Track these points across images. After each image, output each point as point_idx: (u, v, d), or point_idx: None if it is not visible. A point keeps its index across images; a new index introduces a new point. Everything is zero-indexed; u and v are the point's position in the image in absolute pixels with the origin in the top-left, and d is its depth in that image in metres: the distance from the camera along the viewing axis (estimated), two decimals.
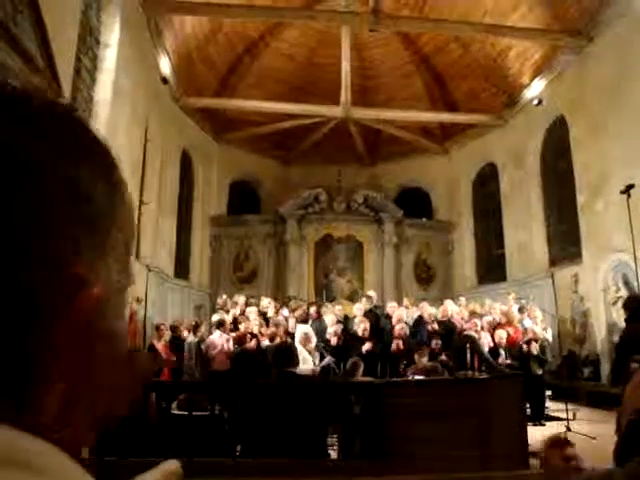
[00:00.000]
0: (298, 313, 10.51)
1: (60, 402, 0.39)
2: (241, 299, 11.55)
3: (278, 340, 8.73)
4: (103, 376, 0.43)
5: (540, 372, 9.65)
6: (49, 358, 0.38)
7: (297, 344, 8.44)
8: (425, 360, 7.95)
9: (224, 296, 11.90)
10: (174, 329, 10.08)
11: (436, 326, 9.97)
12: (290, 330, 9.75)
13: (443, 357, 8.88)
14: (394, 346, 9.35)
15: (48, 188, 0.38)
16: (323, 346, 9.04)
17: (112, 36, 9.86)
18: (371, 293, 12.04)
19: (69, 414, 0.40)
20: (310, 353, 8.68)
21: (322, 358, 8.65)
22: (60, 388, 0.39)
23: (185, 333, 10.11)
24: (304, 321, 10.19)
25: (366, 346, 9.18)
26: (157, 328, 9.82)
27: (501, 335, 9.67)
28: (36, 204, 0.37)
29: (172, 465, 0.42)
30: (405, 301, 11.74)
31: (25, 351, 0.37)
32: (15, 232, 0.36)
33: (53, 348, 0.38)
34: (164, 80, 13.01)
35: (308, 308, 11.14)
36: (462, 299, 12.40)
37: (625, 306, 5.16)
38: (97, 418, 0.44)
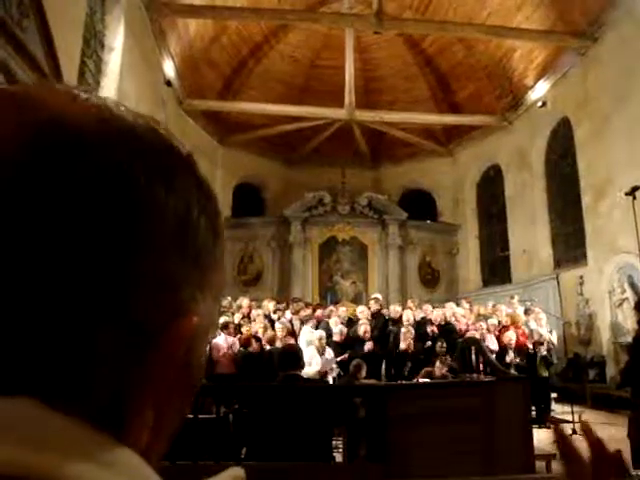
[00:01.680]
0: (302, 315, 10.52)
1: (150, 433, 0.40)
2: (245, 302, 11.54)
3: (279, 343, 8.75)
4: (183, 406, 0.45)
5: (546, 374, 9.63)
6: (148, 387, 0.39)
7: (303, 346, 8.46)
8: (444, 371, 7.91)
9: (229, 298, 11.90)
10: None
11: (435, 329, 9.95)
12: (295, 332, 9.76)
13: (449, 361, 8.87)
14: (404, 345, 9.35)
15: (162, 218, 0.39)
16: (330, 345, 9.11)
17: (116, 39, 9.90)
18: (377, 295, 12.04)
19: (155, 444, 0.41)
20: (320, 353, 8.72)
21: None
22: (151, 418, 0.40)
23: None
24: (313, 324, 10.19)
25: (368, 345, 9.21)
26: None
27: (510, 337, 9.64)
28: (150, 234, 0.38)
29: (237, 472, 0.43)
30: (409, 303, 11.73)
31: (127, 376, 0.38)
32: (129, 262, 0.37)
33: (152, 377, 0.39)
34: (168, 83, 13.04)
35: (313, 311, 11.15)
36: (463, 302, 12.38)
37: (637, 308, 5.13)
38: (169, 444, 0.45)
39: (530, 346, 9.84)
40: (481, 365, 8.24)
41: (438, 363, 7.99)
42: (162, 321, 0.39)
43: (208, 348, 9.36)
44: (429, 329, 9.94)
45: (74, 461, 0.33)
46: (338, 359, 9.02)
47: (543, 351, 9.71)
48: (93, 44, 9.05)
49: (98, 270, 0.36)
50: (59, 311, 0.35)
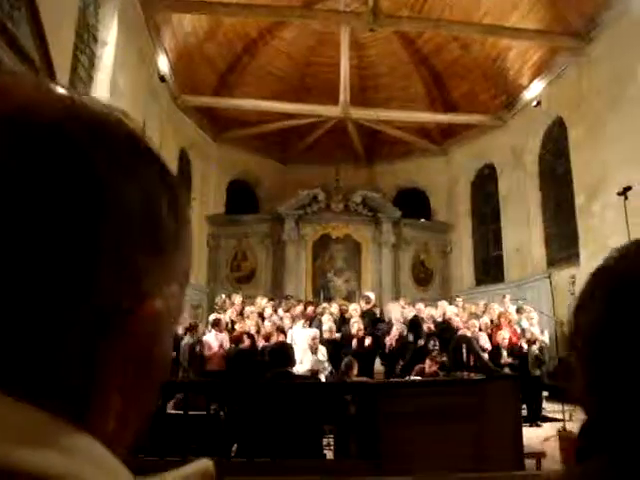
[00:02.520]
0: (294, 312, 10.51)
1: (116, 421, 0.40)
2: (237, 299, 11.52)
3: (274, 340, 8.74)
4: (150, 398, 0.45)
5: (538, 373, 9.65)
6: (111, 370, 0.39)
7: (295, 344, 8.46)
8: (435, 368, 7.93)
9: (223, 296, 11.88)
10: None
11: (432, 326, 9.97)
12: (286, 330, 9.75)
13: (443, 359, 8.88)
14: (388, 342, 9.38)
15: (125, 205, 0.40)
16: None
17: (110, 34, 9.84)
18: (369, 294, 12.04)
19: (122, 434, 0.41)
20: (313, 352, 8.72)
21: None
22: (117, 403, 0.40)
23: (180, 331, 10.03)
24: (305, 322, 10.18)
25: (367, 341, 9.22)
26: None
27: (504, 336, 9.67)
28: (112, 221, 0.38)
29: (206, 464, 0.42)
30: (401, 301, 11.74)
31: (90, 359, 0.38)
32: (91, 245, 0.37)
33: (115, 360, 0.39)
34: (162, 78, 12.98)
35: (305, 308, 11.15)
36: (459, 300, 12.39)
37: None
38: (137, 434, 0.45)
39: (524, 345, 9.86)
40: (472, 363, 8.27)
41: (428, 361, 8.01)
42: (125, 305, 0.39)
43: (199, 346, 9.37)
44: (425, 326, 9.94)
45: (26, 447, 0.33)
46: (366, 342, 9.05)
47: (535, 350, 9.73)
48: (86, 38, 8.99)
49: (60, 256, 0.36)
50: (17, 295, 0.35)
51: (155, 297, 0.41)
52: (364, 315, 10.41)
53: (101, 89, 9.59)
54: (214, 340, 9.23)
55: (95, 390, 0.38)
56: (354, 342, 9.22)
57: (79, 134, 0.39)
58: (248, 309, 10.72)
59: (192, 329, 9.82)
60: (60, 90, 0.42)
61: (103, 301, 0.38)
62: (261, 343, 9.23)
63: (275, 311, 11.11)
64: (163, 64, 12.96)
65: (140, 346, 0.40)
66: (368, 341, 9.31)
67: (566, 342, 0.67)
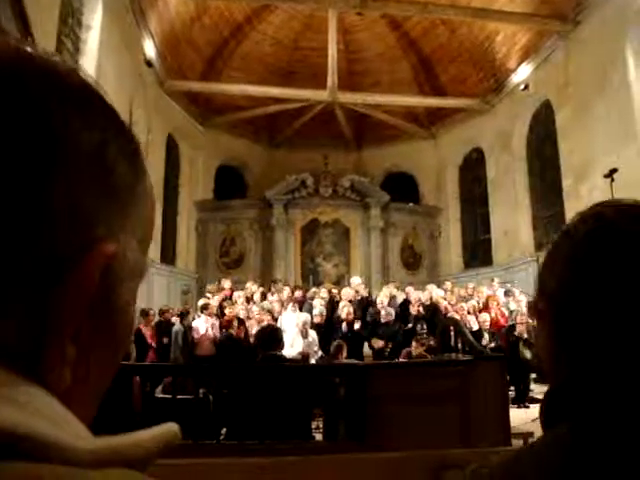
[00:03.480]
0: (282, 297, 10.53)
1: (73, 375, 0.39)
2: (227, 284, 11.53)
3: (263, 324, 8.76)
4: (110, 358, 0.45)
5: (529, 356, 9.72)
6: (63, 318, 0.38)
7: (285, 328, 8.48)
8: (420, 350, 7.97)
9: (216, 282, 11.90)
10: (162, 313, 10.01)
11: (421, 310, 10.01)
12: (275, 314, 9.77)
13: (432, 342, 8.92)
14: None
15: (77, 152, 0.39)
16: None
17: (94, 18, 9.72)
18: (356, 279, 12.08)
19: (79, 391, 0.41)
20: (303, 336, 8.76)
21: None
22: (72, 354, 0.39)
23: (174, 318, 10.06)
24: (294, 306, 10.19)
25: (357, 325, 9.25)
26: (146, 313, 9.73)
27: (485, 318, 9.74)
28: (65, 166, 0.38)
29: (170, 426, 0.42)
30: (391, 286, 11.78)
31: (40, 308, 0.38)
32: (42, 193, 0.37)
33: (67, 307, 0.38)
34: (149, 63, 12.87)
35: (293, 292, 11.16)
36: (447, 283, 12.45)
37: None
38: (99, 397, 0.44)
39: (518, 328, 9.92)
40: (460, 345, 8.32)
41: (414, 343, 8.06)
42: (77, 252, 0.39)
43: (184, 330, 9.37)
44: (413, 310, 9.98)
45: None
46: (355, 326, 9.08)
47: (524, 334, 9.78)
48: (70, 22, 8.88)
49: (9, 201, 0.36)
50: None
51: (109, 243, 0.40)
52: (352, 301, 10.45)
53: (87, 74, 9.48)
54: (203, 324, 9.24)
55: (47, 341, 0.38)
56: (344, 326, 9.24)
57: (32, 78, 0.39)
58: (237, 294, 10.73)
59: (183, 315, 9.84)
60: (12, 39, 0.41)
61: (54, 246, 0.37)
62: (251, 328, 9.26)
63: (264, 296, 11.13)
64: (149, 49, 12.84)
65: (93, 294, 0.40)
66: (357, 325, 9.34)
67: (530, 308, 0.69)
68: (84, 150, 0.40)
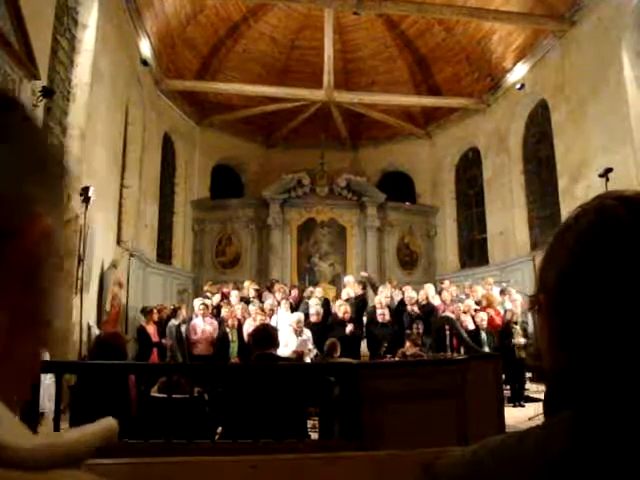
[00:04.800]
0: (279, 297, 10.53)
1: (2, 334, 0.41)
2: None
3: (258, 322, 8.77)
4: (41, 321, 0.47)
5: (524, 355, 9.75)
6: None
7: (280, 327, 8.47)
8: (414, 350, 7.98)
9: (210, 282, 11.93)
10: (158, 311, 10.09)
11: (416, 309, 10.01)
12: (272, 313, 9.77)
13: (423, 341, 8.94)
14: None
15: (19, 146, 0.45)
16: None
17: (90, 16, 9.69)
18: (350, 278, 12.10)
19: (9, 351, 0.42)
20: (297, 335, 8.75)
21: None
22: (3, 318, 0.41)
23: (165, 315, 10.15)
24: (291, 306, 10.20)
25: (349, 327, 9.23)
26: (149, 311, 9.78)
27: (482, 317, 9.75)
28: (11, 155, 0.44)
29: (108, 422, 0.42)
30: (387, 285, 11.78)
31: None
32: None
33: (6, 267, 0.41)
34: (144, 62, 12.85)
35: (290, 291, 11.18)
36: (446, 282, 12.46)
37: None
38: (33, 368, 0.46)
39: (516, 327, 9.93)
40: (455, 343, 8.34)
41: (408, 343, 8.07)
42: (17, 223, 0.43)
43: (185, 329, 9.38)
44: (409, 308, 9.98)
45: None
46: (347, 330, 9.04)
47: (520, 339, 9.78)
48: (66, 21, 8.86)
49: None
50: None
51: (43, 220, 0.45)
52: (349, 300, 10.46)
53: (82, 73, 9.48)
54: (202, 325, 9.26)
55: None
56: (348, 327, 9.19)
57: None
58: (234, 294, 10.75)
59: (175, 311, 9.90)
60: None
61: None
62: (247, 327, 9.27)
63: (260, 295, 11.14)
64: (145, 48, 12.82)
65: (25, 265, 0.43)
66: (350, 327, 9.29)
67: (530, 301, 0.70)
68: (24, 142, 0.46)
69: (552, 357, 0.68)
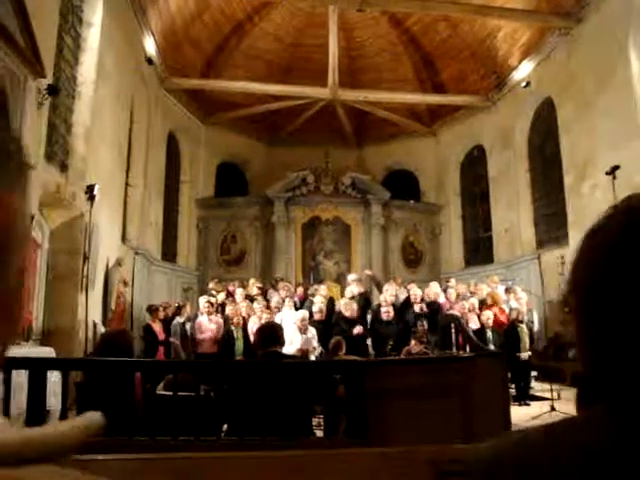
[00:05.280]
0: (284, 294, 10.51)
1: None
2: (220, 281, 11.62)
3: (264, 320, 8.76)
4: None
5: (529, 354, 9.72)
6: None
7: (284, 325, 8.46)
8: (420, 348, 7.97)
9: (217, 280, 11.93)
10: (164, 309, 10.13)
11: (424, 307, 9.96)
12: (276, 310, 9.76)
13: (428, 339, 8.91)
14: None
15: None
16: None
17: (95, 15, 9.71)
18: (353, 276, 12.08)
19: None
20: (302, 333, 8.72)
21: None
22: None
23: (171, 313, 10.20)
24: (295, 304, 10.17)
25: (356, 329, 9.19)
26: (155, 309, 9.81)
27: (488, 316, 9.72)
28: None
29: (94, 415, 0.41)
30: (392, 283, 11.75)
31: None
32: None
33: None
34: (149, 61, 12.87)
35: (295, 289, 11.17)
36: (452, 280, 12.42)
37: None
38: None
39: (520, 326, 9.91)
40: (461, 341, 8.32)
41: (413, 341, 8.05)
42: None
43: (191, 328, 9.39)
44: (417, 307, 9.93)
45: None
46: (355, 331, 9.01)
47: (526, 337, 9.76)
48: (71, 19, 8.87)
49: None
50: None
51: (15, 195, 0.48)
52: (354, 297, 10.43)
53: (87, 71, 9.49)
54: (207, 323, 9.26)
55: None
56: (356, 329, 9.13)
57: None
58: (239, 291, 10.75)
59: (179, 309, 9.94)
60: None
61: None
62: (252, 325, 9.26)
63: (264, 293, 11.13)
64: (150, 46, 12.83)
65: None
66: (358, 329, 9.24)
67: (563, 300, 0.73)
68: None
69: (586, 354, 0.70)
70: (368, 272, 12.65)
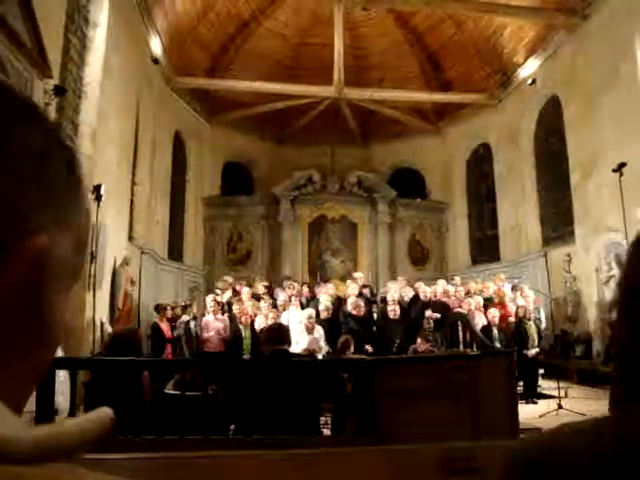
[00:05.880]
0: (291, 293, 10.52)
1: None
2: (229, 280, 11.60)
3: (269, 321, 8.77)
4: (35, 351, 0.45)
5: (537, 351, 9.71)
6: None
7: (291, 325, 8.48)
8: (426, 346, 7.98)
9: (227, 279, 11.93)
10: (172, 308, 10.19)
11: (435, 315, 9.90)
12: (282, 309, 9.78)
13: (435, 337, 8.93)
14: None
15: (18, 155, 0.42)
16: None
17: (101, 15, 9.72)
18: (358, 274, 12.08)
19: (5, 360, 0.41)
20: (309, 332, 8.72)
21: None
22: None
23: (179, 312, 10.25)
24: (301, 303, 10.17)
25: (428, 313, 9.26)
26: (163, 308, 9.86)
27: (494, 313, 9.70)
28: (7, 166, 0.41)
29: (104, 411, 0.42)
30: (400, 280, 11.76)
31: None
32: None
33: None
34: (155, 60, 12.89)
35: (301, 288, 11.17)
36: (457, 279, 12.42)
37: (620, 284, 5.13)
38: (35, 374, 0.45)
39: (528, 323, 9.90)
40: (468, 339, 8.32)
41: (419, 340, 8.06)
42: (10, 240, 0.41)
43: (198, 327, 9.41)
44: (427, 314, 9.89)
45: None
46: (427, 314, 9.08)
47: (532, 326, 9.76)
48: (77, 19, 8.88)
49: None
50: None
51: (40, 236, 0.43)
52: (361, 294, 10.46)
53: (94, 71, 9.51)
54: (213, 322, 9.28)
55: None
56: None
57: None
58: (245, 290, 10.77)
59: (185, 308, 9.98)
60: None
61: None
62: (259, 324, 9.28)
63: (271, 293, 11.15)
64: (155, 46, 12.86)
65: (20, 288, 0.41)
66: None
67: (614, 302, 0.75)
68: (26, 152, 0.43)
69: (622, 350, 0.71)
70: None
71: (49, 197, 0.45)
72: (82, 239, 0.50)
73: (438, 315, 9.83)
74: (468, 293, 10.90)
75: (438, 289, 10.75)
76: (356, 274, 12.44)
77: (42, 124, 0.47)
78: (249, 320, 9.23)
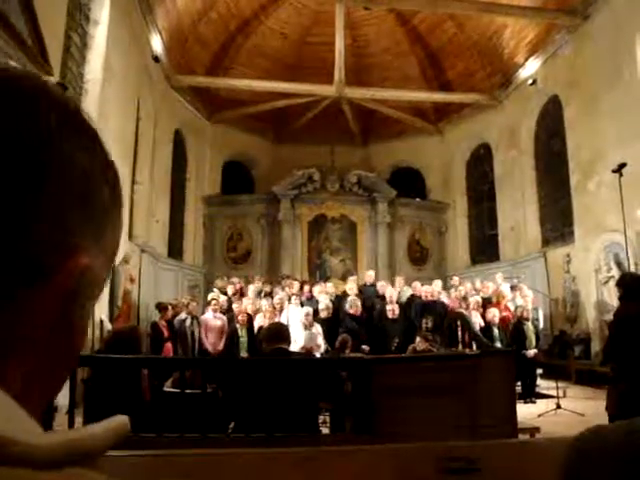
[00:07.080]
0: (290, 292, 10.53)
1: (24, 376, 0.40)
2: (235, 280, 11.59)
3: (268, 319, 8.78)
4: (62, 366, 0.46)
5: (535, 351, 9.72)
6: (29, 320, 0.40)
7: (290, 323, 8.48)
8: (425, 345, 7.98)
9: (225, 278, 11.93)
10: (173, 307, 10.17)
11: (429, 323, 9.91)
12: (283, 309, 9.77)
13: (433, 337, 8.92)
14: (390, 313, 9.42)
15: (69, 169, 0.43)
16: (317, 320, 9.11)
17: (102, 13, 9.72)
18: (370, 273, 12.11)
19: (29, 390, 0.41)
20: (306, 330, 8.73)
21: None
22: (30, 361, 0.41)
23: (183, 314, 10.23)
24: (301, 302, 10.18)
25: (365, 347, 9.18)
26: (164, 307, 9.85)
27: (494, 313, 9.71)
28: (54, 182, 0.41)
29: (121, 419, 0.43)
30: (398, 280, 11.77)
31: (10, 308, 0.39)
32: (33, 199, 0.40)
33: (35, 310, 0.40)
34: (156, 58, 12.88)
35: (301, 287, 11.17)
36: (455, 279, 12.44)
37: (619, 284, 5.11)
38: (48, 397, 0.46)
39: (526, 324, 9.90)
40: (467, 339, 8.32)
41: (418, 339, 8.06)
42: (55, 259, 0.41)
43: (190, 323, 9.41)
44: (424, 322, 9.86)
45: None
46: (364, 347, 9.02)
47: (532, 335, 9.76)
48: (78, 17, 8.88)
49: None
50: None
51: (82, 256, 0.43)
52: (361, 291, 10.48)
53: (94, 69, 9.50)
54: (213, 320, 9.28)
55: (12, 340, 0.39)
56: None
57: (45, 107, 0.42)
58: (251, 288, 10.78)
59: (187, 306, 9.97)
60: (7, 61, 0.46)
61: (33, 250, 0.40)
62: (258, 323, 9.28)
63: (271, 291, 11.16)
64: (156, 44, 12.85)
65: (60, 302, 0.42)
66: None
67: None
68: (74, 168, 0.43)
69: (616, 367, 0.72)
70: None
71: (93, 216, 0.45)
72: (114, 254, 0.52)
73: (430, 325, 9.82)
74: (465, 296, 10.91)
75: (435, 289, 10.75)
76: (369, 272, 12.47)
77: (92, 141, 0.47)
78: (246, 319, 9.22)
